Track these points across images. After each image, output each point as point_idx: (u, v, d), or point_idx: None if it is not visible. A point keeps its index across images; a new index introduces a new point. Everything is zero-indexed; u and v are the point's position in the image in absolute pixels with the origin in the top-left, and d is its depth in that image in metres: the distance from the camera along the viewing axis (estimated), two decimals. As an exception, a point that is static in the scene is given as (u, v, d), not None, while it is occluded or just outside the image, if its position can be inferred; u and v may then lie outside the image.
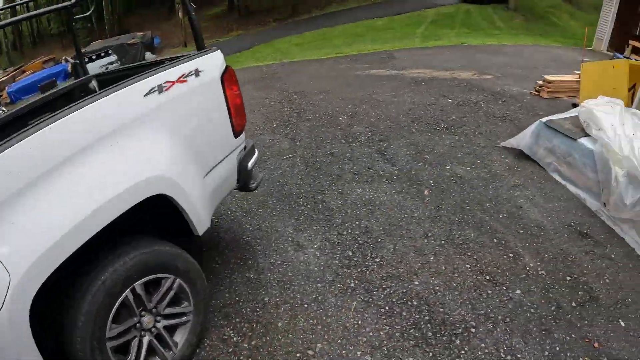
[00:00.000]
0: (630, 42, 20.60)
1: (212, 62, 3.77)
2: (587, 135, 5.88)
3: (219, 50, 3.92)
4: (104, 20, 35.02)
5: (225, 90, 3.82)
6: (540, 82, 9.67)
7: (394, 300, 4.10)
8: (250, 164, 4.28)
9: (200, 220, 3.47)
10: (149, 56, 26.51)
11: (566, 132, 6.01)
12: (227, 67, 3.88)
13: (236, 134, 4.04)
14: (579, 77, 10.38)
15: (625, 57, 10.39)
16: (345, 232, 5.02)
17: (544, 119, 6.39)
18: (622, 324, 3.84)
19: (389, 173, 6.16)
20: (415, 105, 8.40)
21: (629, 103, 8.06)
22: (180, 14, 27.65)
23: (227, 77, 3.85)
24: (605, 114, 5.85)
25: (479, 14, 26.45)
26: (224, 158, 3.95)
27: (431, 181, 5.94)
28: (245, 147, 4.31)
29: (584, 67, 8.53)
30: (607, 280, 4.36)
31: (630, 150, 5.17)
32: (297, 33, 25.34)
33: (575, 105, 8.88)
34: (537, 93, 9.66)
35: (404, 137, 7.10)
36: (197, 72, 3.55)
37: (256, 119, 8.43)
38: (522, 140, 6.50)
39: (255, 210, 5.56)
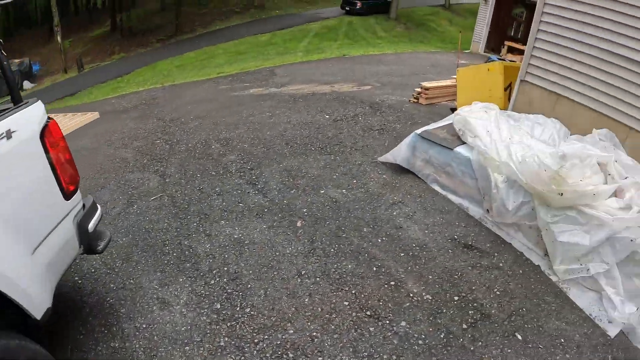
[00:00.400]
0: (506, 42, 21.72)
1: (29, 118, 3.08)
2: (463, 143, 5.73)
3: (39, 102, 3.24)
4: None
5: (48, 148, 3.16)
6: (419, 89, 9.64)
7: (267, 355, 3.61)
8: (91, 225, 3.60)
9: (35, 303, 2.82)
10: (27, 85, 24.62)
11: (442, 142, 5.84)
12: (48, 121, 3.23)
13: (68, 195, 3.36)
14: (456, 82, 10.52)
15: (500, 57, 10.64)
16: (213, 281, 4.46)
17: (419, 130, 6.20)
18: (519, 337, 3.65)
19: (260, 206, 5.66)
20: (291, 125, 8.02)
21: (506, 102, 8.14)
22: (59, 38, 25.91)
23: (49, 133, 3.19)
24: (479, 120, 5.74)
25: (361, 25, 26.92)
26: (57, 225, 3.27)
27: (304, 210, 5.52)
28: (84, 206, 3.64)
29: (459, 73, 8.56)
30: (498, 293, 4.17)
31: (508, 156, 5.03)
32: (180, 53, 24.45)
33: (453, 110, 8.88)
34: (415, 100, 9.62)
35: (277, 163, 6.66)
36: (8, 134, 2.86)
37: (128, 155, 7.69)
38: (399, 154, 6.27)
39: (119, 265, 4.86)
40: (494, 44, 21.71)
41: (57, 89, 22.39)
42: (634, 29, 5.89)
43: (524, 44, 19.67)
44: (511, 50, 21.44)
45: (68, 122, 9.81)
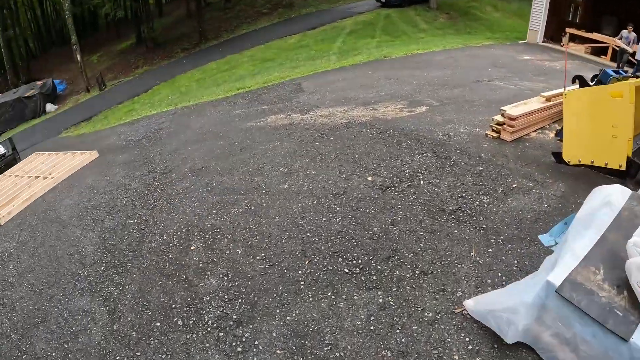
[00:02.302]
0: (567, 30, 17.76)
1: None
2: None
3: None
4: (4, 70, 29.37)
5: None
6: (499, 119, 6.27)
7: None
8: None
9: None
10: (50, 108, 21.84)
11: (603, 320, 2.51)
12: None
13: None
14: (546, 101, 7.07)
15: (616, 70, 7.02)
16: None
17: (555, 278, 2.82)
18: None
19: None
20: (314, 201, 4.77)
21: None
22: (78, 56, 23.07)
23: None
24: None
25: (400, 18, 23.01)
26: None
27: None
28: None
29: (568, 97, 5.25)
30: None
31: None
32: (202, 64, 20.56)
33: (557, 156, 5.56)
34: (496, 134, 6.26)
35: (283, 309, 3.42)
36: None
37: (89, 248, 5.17)
38: (509, 321, 2.81)
39: None
40: (552, 32, 17.77)
41: (78, 112, 19.29)
42: None
43: (587, 30, 15.74)
44: (572, 38, 17.56)
45: (69, 163, 8.51)
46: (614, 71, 6.38)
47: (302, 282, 3.60)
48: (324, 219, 4.36)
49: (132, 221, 5.37)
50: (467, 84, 9.46)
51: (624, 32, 12.33)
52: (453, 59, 12.65)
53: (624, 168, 4.91)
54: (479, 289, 3.42)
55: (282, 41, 21.02)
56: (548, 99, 6.88)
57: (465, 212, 4.33)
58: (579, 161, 5.25)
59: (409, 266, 3.70)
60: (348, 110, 7.80)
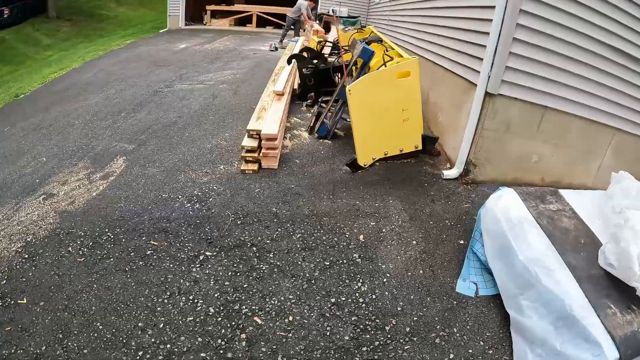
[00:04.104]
0: (207, 7, 16.81)
1: None
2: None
3: None
4: None
5: None
6: (250, 143, 4.28)
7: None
8: None
9: None
10: None
11: None
12: None
13: None
14: (280, 97, 5.39)
15: (366, 39, 5.66)
16: None
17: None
18: None
19: None
20: None
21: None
22: None
23: None
24: None
25: (17, 39, 18.03)
26: None
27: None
28: None
29: (353, 94, 3.85)
30: None
31: None
32: None
33: (353, 166, 4.10)
34: (254, 165, 4.29)
35: None
36: None
37: None
38: None
39: None
40: (192, 13, 16.66)
41: None
42: None
43: (227, 3, 15.15)
44: (214, 14, 16.77)
45: None
46: (367, 43, 5.16)
47: None
48: None
49: None
50: (148, 100, 7.15)
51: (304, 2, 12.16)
52: (105, 72, 9.93)
53: (420, 147, 4.23)
54: None
55: None
56: (281, 94, 5.26)
57: (366, 333, 2.33)
58: (374, 159, 4.10)
59: None
60: (11, 215, 4.44)
